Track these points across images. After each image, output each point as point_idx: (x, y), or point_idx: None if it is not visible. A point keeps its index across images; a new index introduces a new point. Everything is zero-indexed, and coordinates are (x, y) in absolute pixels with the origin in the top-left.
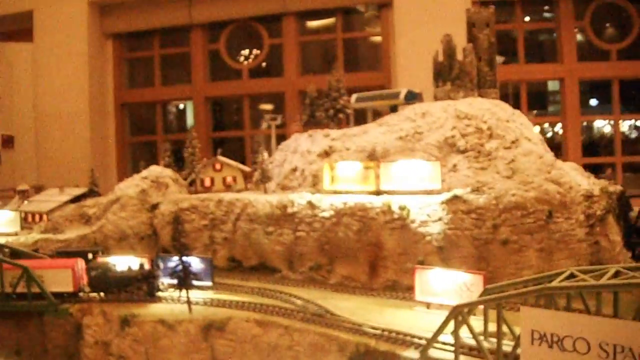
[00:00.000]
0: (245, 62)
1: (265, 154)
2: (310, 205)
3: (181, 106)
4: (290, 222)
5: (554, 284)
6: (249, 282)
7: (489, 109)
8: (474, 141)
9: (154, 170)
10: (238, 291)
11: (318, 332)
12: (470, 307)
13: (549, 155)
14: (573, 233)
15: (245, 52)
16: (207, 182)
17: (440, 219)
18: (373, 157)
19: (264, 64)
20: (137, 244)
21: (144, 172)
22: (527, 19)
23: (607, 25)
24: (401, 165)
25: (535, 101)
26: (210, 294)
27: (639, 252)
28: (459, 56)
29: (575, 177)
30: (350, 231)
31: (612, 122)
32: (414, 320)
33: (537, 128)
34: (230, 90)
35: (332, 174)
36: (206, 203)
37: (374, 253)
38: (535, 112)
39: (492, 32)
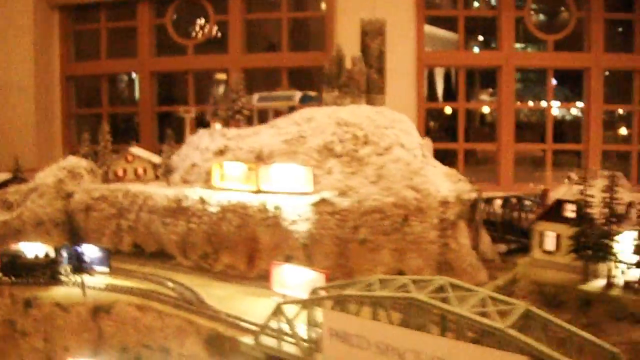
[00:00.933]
0: (191, 38)
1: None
2: (201, 200)
3: (128, 77)
4: (184, 214)
5: (347, 292)
6: (145, 267)
7: (369, 117)
8: (350, 147)
9: (71, 160)
10: (132, 277)
11: (183, 317)
12: (293, 303)
13: (417, 162)
14: (425, 235)
15: (191, 28)
16: (120, 173)
17: (308, 219)
18: (260, 158)
19: (209, 40)
20: (53, 229)
21: (62, 162)
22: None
23: (546, 15)
24: (278, 168)
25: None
26: (106, 279)
27: (515, 248)
28: (349, 64)
29: (439, 183)
30: (232, 226)
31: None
32: (267, 309)
33: (487, 108)
34: (175, 66)
35: (222, 172)
36: (115, 193)
37: (251, 246)
38: (490, 90)
39: (383, 42)
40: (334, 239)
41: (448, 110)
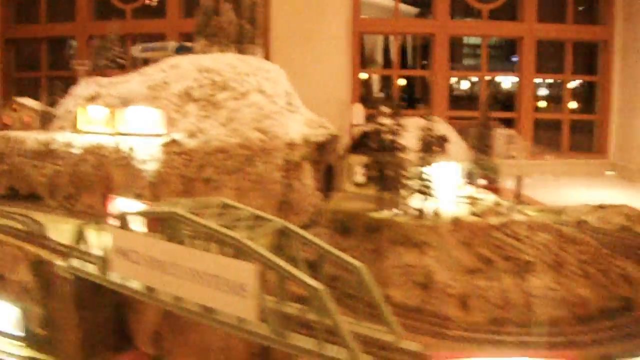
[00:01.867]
0: (129, 2)
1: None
2: (67, 143)
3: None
4: (51, 157)
5: (124, 212)
6: (12, 207)
7: (231, 64)
8: (207, 92)
9: None
10: None
11: (18, 246)
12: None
13: (274, 108)
14: (268, 176)
15: None
16: (8, 121)
17: (157, 159)
18: (126, 103)
19: (147, 5)
20: None
21: None
22: None
23: None
24: (134, 111)
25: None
26: None
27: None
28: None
29: (294, 127)
30: (90, 166)
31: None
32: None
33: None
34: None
35: (86, 116)
36: (5, 139)
37: (106, 185)
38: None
39: None
40: (180, 178)
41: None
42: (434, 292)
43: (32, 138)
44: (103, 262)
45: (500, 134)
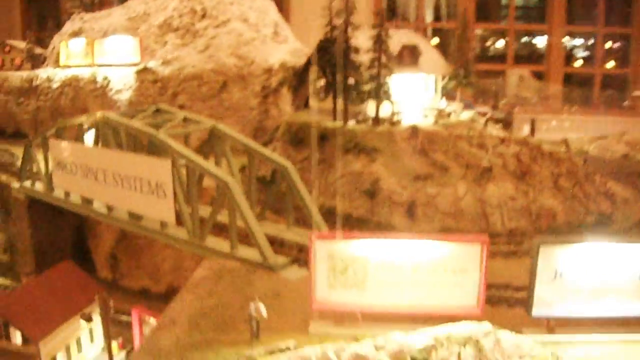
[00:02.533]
0: None
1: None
2: (48, 78)
3: None
4: (34, 93)
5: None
6: None
7: None
8: (187, 21)
9: None
10: None
11: None
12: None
13: (253, 35)
14: (245, 102)
15: None
16: None
17: (131, 88)
18: (107, 36)
19: None
20: None
21: None
22: None
23: None
24: (110, 41)
25: None
26: None
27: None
28: None
29: (274, 55)
30: (68, 99)
31: None
32: None
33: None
34: None
35: (67, 51)
36: (8, 77)
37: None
38: None
39: None
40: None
41: None
42: (380, 200)
43: (17, 76)
44: (47, 179)
45: (512, 73)
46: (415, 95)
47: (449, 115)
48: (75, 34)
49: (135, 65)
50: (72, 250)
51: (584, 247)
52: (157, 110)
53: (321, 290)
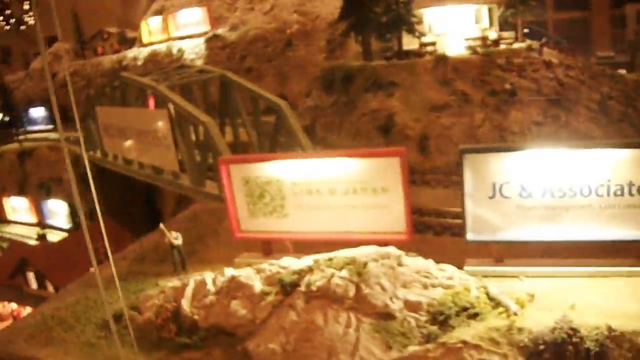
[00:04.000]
0: None
1: None
2: (134, 57)
3: None
4: (128, 72)
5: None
6: None
7: None
8: None
9: (58, 46)
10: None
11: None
12: None
13: None
14: (310, 58)
15: None
16: (100, 50)
17: (202, 56)
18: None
19: None
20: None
21: (53, 48)
22: None
23: None
24: (182, 14)
25: None
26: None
27: None
28: None
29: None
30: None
31: None
32: None
33: None
34: None
35: (148, 29)
36: (85, 67)
37: None
38: None
39: None
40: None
41: None
42: (394, 136)
43: (108, 59)
44: (101, 146)
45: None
46: (463, 27)
47: (495, 43)
48: (158, 12)
49: (205, 34)
50: (143, 213)
51: (530, 155)
52: (180, 67)
53: (243, 219)
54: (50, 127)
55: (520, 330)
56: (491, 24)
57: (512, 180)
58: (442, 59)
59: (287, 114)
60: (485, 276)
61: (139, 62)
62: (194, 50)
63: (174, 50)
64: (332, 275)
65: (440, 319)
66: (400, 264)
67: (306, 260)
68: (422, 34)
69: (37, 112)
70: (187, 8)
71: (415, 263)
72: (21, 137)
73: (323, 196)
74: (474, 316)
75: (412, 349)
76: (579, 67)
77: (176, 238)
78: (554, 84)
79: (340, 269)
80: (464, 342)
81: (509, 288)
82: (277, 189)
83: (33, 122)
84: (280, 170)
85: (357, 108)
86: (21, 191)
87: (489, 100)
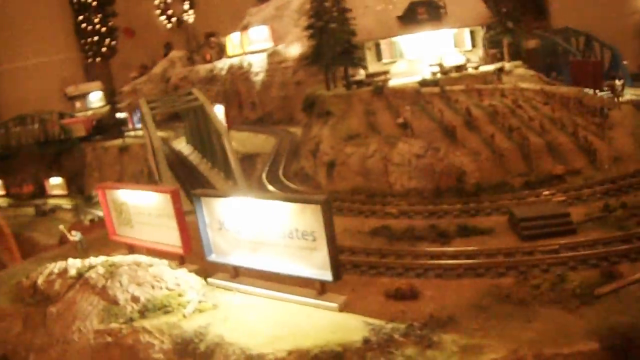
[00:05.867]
0: None
1: None
2: (220, 68)
3: None
4: (215, 81)
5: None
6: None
7: None
8: None
9: (173, 54)
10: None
11: None
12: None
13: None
14: None
15: None
16: (208, 57)
17: (264, 70)
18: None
19: None
20: None
21: (169, 56)
22: None
23: None
24: (252, 31)
25: None
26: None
27: None
28: None
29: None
30: (228, 83)
31: None
32: None
33: None
34: None
35: (231, 43)
36: (194, 71)
37: (238, 99)
38: None
39: None
40: (279, 84)
41: None
42: (318, 161)
43: (202, 67)
44: None
45: None
46: (441, 51)
47: (459, 68)
48: (244, 27)
49: (266, 50)
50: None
51: (238, 201)
52: (188, 94)
53: (116, 227)
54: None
55: (179, 326)
56: (474, 45)
57: (228, 218)
58: (378, 90)
59: (225, 140)
60: (222, 287)
61: (223, 72)
62: (258, 64)
63: (245, 64)
64: (90, 269)
65: (145, 310)
66: (145, 270)
67: (100, 260)
68: (365, 67)
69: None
70: (255, 26)
71: (157, 270)
72: (125, 134)
73: (146, 217)
74: (167, 312)
75: (113, 325)
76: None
77: (74, 235)
78: (480, 113)
79: (104, 267)
80: (143, 327)
81: (216, 297)
82: (126, 209)
83: (136, 121)
84: (126, 197)
85: (310, 131)
86: (118, 180)
87: (391, 131)
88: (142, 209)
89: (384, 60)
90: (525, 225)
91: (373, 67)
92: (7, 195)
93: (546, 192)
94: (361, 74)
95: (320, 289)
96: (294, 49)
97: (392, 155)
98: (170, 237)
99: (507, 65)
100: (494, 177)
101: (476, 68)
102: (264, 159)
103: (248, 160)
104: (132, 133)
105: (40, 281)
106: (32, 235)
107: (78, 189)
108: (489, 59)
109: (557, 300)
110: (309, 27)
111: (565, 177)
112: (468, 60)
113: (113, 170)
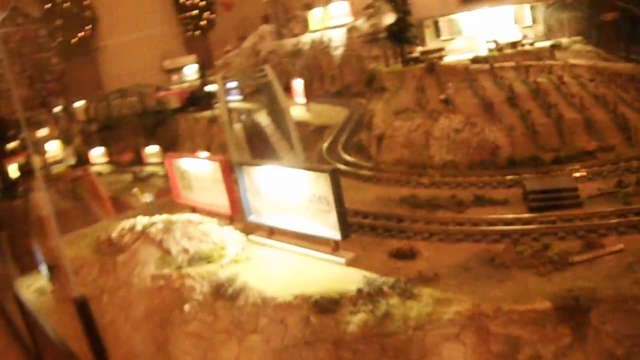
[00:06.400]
0: None
1: None
2: (304, 42)
3: None
4: (300, 54)
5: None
6: None
7: None
8: None
9: (262, 28)
10: None
11: None
12: None
13: None
14: None
15: None
16: (295, 31)
17: (343, 44)
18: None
19: None
20: None
21: (257, 31)
22: None
23: None
24: (333, 6)
25: None
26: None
27: None
28: None
29: None
30: (309, 57)
31: None
32: None
33: None
34: None
35: (313, 18)
36: (277, 48)
37: (318, 72)
38: None
39: None
40: (356, 58)
41: None
42: (370, 133)
43: (288, 42)
44: None
45: None
46: (500, 28)
47: (513, 45)
48: (327, 2)
49: (346, 25)
50: None
51: (270, 169)
52: (261, 70)
53: (180, 190)
54: (238, 98)
55: (216, 274)
56: (534, 21)
57: (263, 184)
58: (430, 67)
59: (287, 117)
60: (259, 243)
61: (306, 47)
62: (339, 39)
63: (325, 39)
64: (152, 225)
65: (192, 259)
66: (195, 226)
67: (160, 218)
68: (419, 44)
69: (232, 85)
70: (336, 2)
71: (206, 227)
72: (215, 106)
73: (200, 182)
74: (209, 262)
75: (165, 271)
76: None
77: (146, 198)
78: (523, 89)
79: (163, 224)
80: (189, 274)
81: (252, 251)
82: (187, 175)
83: (229, 93)
84: (186, 165)
85: (367, 106)
86: (207, 150)
87: (436, 106)
88: (200, 175)
89: (442, 38)
90: (533, 197)
91: (432, 44)
92: (109, 162)
93: (570, 167)
94: (419, 50)
95: (334, 246)
96: (368, 24)
97: (434, 130)
98: (221, 199)
99: (565, 41)
100: (526, 151)
101: (532, 44)
102: (332, 131)
103: (318, 131)
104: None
105: (114, 235)
106: (128, 199)
107: None
108: (548, 35)
109: (534, 265)
110: (367, 7)
111: (597, 153)
112: (525, 37)
113: (203, 139)
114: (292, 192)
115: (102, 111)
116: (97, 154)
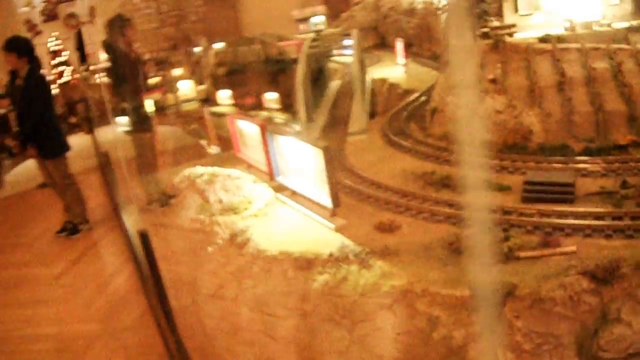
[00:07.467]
0: None
1: None
2: (419, 2)
3: None
4: (414, 13)
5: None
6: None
7: None
8: None
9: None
10: None
11: None
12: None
13: None
14: None
15: None
16: None
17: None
18: None
19: None
20: (369, 33)
21: None
22: None
23: None
24: None
25: None
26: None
27: None
28: None
29: None
30: (421, 17)
31: None
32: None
33: None
34: None
35: None
36: (399, 3)
37: (427, 34)
38: None
39: None
40: None
41: None
42: (428, 105)
43: (405, 1)
44: None
45: None
46: (582, 5)
47: (587, 26)
48: None
49: None
50: None
51: (286, 139)
52: (346, 34)
53: (240, 147)
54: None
55: (235, 224)
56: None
57: (285, 150)
58: (496, 44)
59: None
60: (282, 202)
61: (420, 6)
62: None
63: (435, 1)
64: (198, 177)
65: (223, 209)
66: (232, 180)
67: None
68: (489, 19)
69: (348, 42)
70: None
71: (241, 182)
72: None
73: (251, 141)
74: (235, 213)
75: (201, 216)
76: None
77: (212, 149)
78: (577, 74)
79: (207, 175)
80: (217, 221)
81: (273, 208)
82: (242, 133)
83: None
84: (241, 125)
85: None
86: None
87: (487, 85)
88: (249, 134)
89: (520, 12)
90: (527, 188)
91: (509, 19)
92: (234, 105)
93: (586, 159)
94: (490, 26)
95: (331, 212)
96: None
97: (479, 108)
98: (262, 159)
99: None
100: (558, 139)
101: (609, 25)
102: (412, 95)
103: (406, 95)
104: (336, 58)
105: (176, 181)
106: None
107: (289, 105)
108: (636, 15)
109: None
110: None
111: (630, 148)
112: (604, 17)
113: None
114: (304, 161)
115: (229, 56)
116: (224, 97)
